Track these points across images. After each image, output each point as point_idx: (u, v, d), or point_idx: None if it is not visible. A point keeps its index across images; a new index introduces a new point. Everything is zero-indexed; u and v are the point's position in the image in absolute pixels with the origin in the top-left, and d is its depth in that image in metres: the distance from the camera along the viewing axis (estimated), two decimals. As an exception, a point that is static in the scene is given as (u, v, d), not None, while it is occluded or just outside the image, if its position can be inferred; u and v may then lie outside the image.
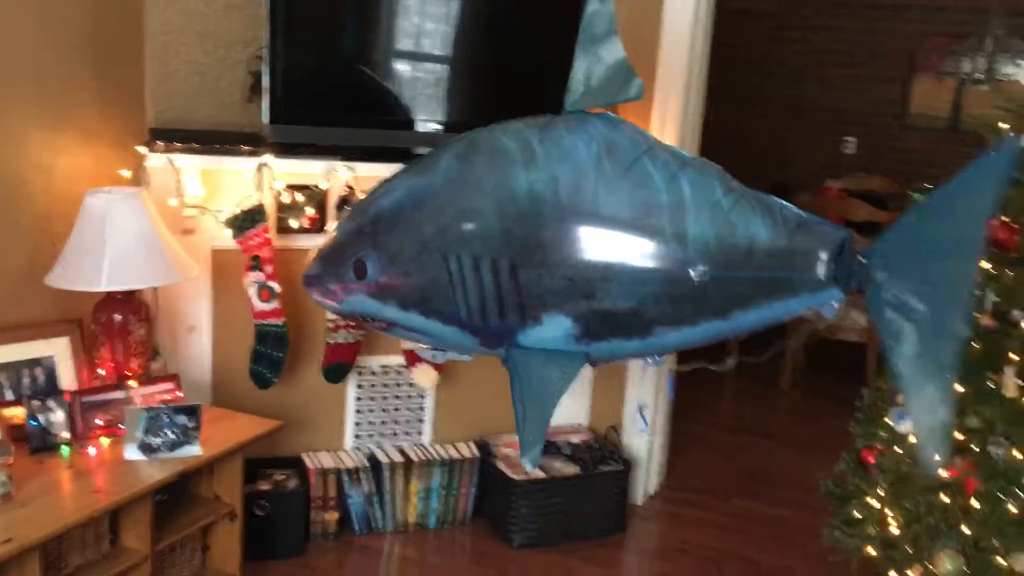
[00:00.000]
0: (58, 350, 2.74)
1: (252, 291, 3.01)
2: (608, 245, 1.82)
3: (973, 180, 1.77)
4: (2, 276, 2.70)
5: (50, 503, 2.30)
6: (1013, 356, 2.36)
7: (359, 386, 3.40)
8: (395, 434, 3.48)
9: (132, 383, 2.73)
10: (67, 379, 2.74)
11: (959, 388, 2.33)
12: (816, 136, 6.73)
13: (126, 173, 2.94)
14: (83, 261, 2.60)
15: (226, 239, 3.01)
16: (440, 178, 1.87)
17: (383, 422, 3.46)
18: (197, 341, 3.14)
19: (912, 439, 2.56)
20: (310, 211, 3.09)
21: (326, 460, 3.31)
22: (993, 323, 2.44)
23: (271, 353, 3.06)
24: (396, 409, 3.47)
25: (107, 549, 2.50)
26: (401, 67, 3.13)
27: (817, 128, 6.74)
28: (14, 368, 2.66)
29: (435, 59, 3.16)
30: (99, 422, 2.62)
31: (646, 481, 3.76)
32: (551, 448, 3.54)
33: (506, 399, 3.44)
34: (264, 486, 3.13)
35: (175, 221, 2.93)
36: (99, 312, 2.72)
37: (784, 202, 1.91)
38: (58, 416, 2.56)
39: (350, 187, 3.04)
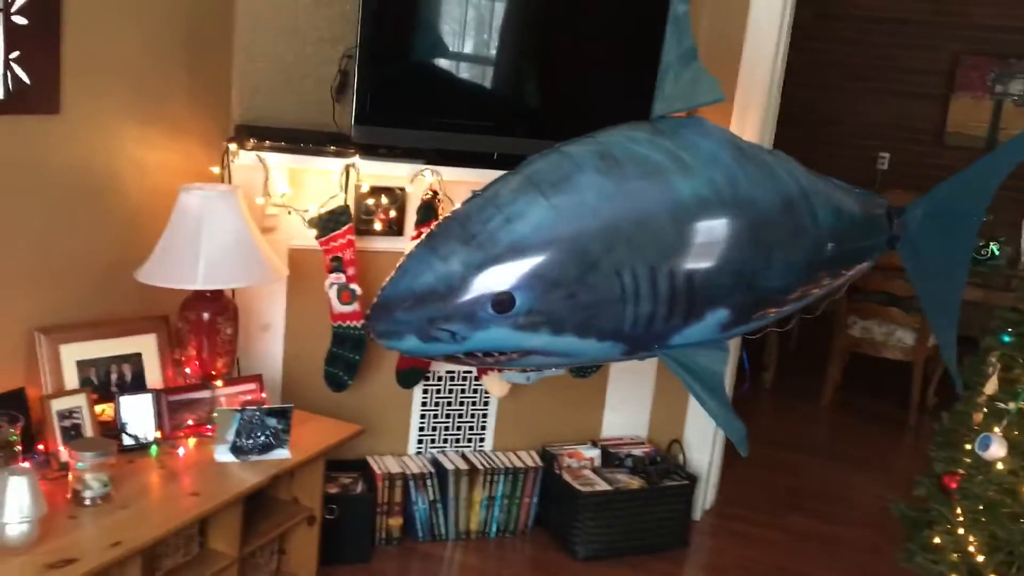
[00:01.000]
0: (145, 347, 2.69)
1: (332, 292, 2.97)
2: (766, 235, 1.98)
3: (997, 161, 2.41)
4: (92, 269, 2.65)
5: (149, 506, 2.27)
6: None
7: (424, 391, 3.37)
8: (457, 440, 3.45)
9: (217, 383, 2.69)
10: (153, 377, 2.69)
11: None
12: (850, 150, 6.72)
13: (216, 170, 2.89)
14: (178, 258, 2.56)
15: (304, 238, 2.98)
16: (592, 195, 1.81)
17: (446, 428, 3.43)
18: (270, 340, 3.11)
19: (1000, 466, 2.55)
20: (392, 214, 3.06)
21: (392, 465, 3.27)
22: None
23: (348, 356, 3.03)
24: (460, 416, 3.44)
25: (196, 552, 2.47)
26: (488, 71, 3.11)
27: (851, 142, 6.73)
28: (103, 364, 2.61)
29: (521, 64, 3.13)
30: (189, 422, 2.59)
31: (704, 496, 3.74)
32: (613, 460, 3.52)
33: (566, 409, 3.50)
34: (332, 489, 3.09)
35: (255, 219, 2.88)
36: (187, 310, 2.67)
37: (838, 180, 2.30)
38: (148, 415, 2.52)
39: (434, 191, 3.01)
